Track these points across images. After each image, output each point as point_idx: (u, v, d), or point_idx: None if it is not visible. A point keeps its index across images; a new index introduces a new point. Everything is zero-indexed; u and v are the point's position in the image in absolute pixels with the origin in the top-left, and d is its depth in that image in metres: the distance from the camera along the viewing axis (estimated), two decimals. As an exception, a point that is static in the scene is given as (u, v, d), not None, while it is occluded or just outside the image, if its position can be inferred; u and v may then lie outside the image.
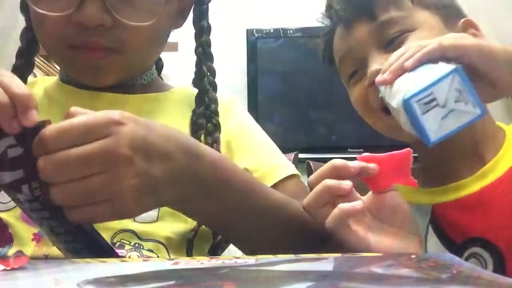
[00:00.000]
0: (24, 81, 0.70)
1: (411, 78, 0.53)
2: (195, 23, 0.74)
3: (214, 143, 0.67)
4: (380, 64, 0.64)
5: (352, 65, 0.72)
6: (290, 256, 0.38)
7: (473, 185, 0.66)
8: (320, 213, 0.51)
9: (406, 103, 0.50)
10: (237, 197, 0.51)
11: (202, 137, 0.67)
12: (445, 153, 0.68)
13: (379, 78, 0.57)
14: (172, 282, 0.30)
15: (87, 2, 0.58)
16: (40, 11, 0.61)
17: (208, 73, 0.72)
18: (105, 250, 0.49)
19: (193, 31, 0.74)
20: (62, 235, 0.46)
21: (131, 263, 0.38)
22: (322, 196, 0.51)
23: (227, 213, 0.51)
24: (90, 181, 0.40)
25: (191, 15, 0.74)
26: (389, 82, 0.55)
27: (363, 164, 0.52)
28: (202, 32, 0.73)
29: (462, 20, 0.73)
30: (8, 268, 0.33)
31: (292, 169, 0.70)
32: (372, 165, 0.52)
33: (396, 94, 0.53)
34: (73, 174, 0.41)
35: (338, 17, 0.73)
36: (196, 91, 0.73)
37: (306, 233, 0.55)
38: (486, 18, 2.42)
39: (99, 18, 0.59)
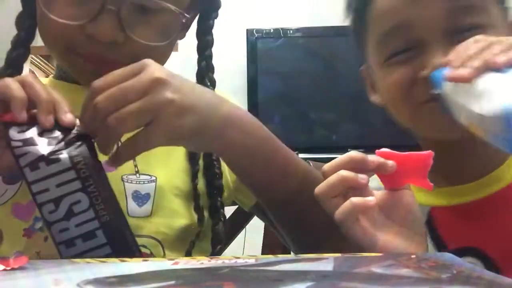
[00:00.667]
0: (20, 70, 0.69)
1: (505, 82, 0.47)
2: (199, 36, 0.72)
3: (215, 160, 0.67)
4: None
5: (403, 41, 0.62)
6: (290, 256, 0.38)
7: (477, 192, 0.64)
8: (331, 203, 0.50)
9: (509, 113, 0.43)
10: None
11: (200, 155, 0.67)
12: (456, 153, 0.65)
13: (452, 73, 0.50)
14: (172, 282, 0.30)
15: (103, 17, 0.57)
16: (52, 16, 0.59)
17: (209, 83, 0.72)
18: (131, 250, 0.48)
19: (193, 31, 0.73)
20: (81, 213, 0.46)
21: (131, 263, 0.38)
22: (336, 186, 0.49)
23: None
24: (136, 103, 0.47)
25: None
26: (468, 80, 0.48)
27: (382, 160, 0.50)
28: (207, 46, 0.72)
29: (510, 20, 0.65)
30: (8, 268, 0.33)
31: None
32: (390, 162, 0.50)
33: (482, 98, 0.47)
34: (123, 101, 0.47)
35: None
36: None
37: None
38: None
39: (113, 34, 0.58)
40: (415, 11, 0.61)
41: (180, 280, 0.31)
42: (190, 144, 0.54)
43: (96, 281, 0.30)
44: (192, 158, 0.66)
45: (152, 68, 0.49)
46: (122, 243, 0.48)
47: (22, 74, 0.70)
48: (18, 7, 0.69)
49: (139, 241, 0.58)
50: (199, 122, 0.50)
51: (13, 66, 0.68)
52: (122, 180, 0.61)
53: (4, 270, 0.33)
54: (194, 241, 0.61)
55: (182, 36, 0.72)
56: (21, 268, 0.34)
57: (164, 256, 0.60)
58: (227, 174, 0.68)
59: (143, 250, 0.59)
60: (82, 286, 0.29)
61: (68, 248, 0.46)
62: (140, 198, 0.61)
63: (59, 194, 0.46)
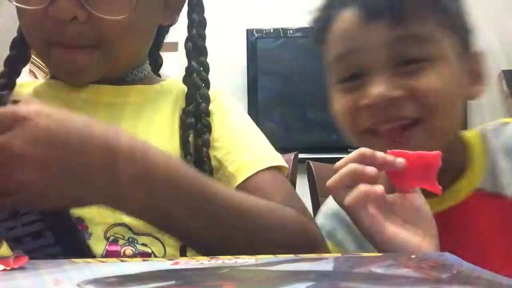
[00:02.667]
0: (18, 72, 0.69)
1: None
2: (188, 16, 0.71)
3: (203, 146, 0.64)
4: (387, 89, 0.58)
5: (350, 68, 0.62)
6: (290, 256, 0.38)
7: (436, 206, 0.62)
8: (341, 194, 0.50)
9: None
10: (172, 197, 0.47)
11: (191, 138, 0.64)
12: None
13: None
14: (172, 282, 0.30)
15: None
16: (17, 4, 0.61)
17: (201, 68, 0.69)
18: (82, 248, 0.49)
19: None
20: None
21: (131, 263, 0.38)
22: (346, 178, 0.50)
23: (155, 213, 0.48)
24: None
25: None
26: None
27: (391, 156, 0.51)
28: (192, 25, 0.70)
29: (474, 52, 0.65)
30: (8, 268, 0.33)
31: (274, 161, 0.64)
32: (400, 159, 0.51)
33: None
34: None
35: (363, 2, 0.60)
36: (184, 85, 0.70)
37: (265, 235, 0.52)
38: (487, 18, 2.42)
39: (72, 11, 0.59)
40: (362, 39, 0.60)
41: (180, 280, 0.30)
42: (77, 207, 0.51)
43: (96, 281, 0.30)
44: (185, 157, 0.64)
45: (15, 135, 0.41)
46: (72, 243, 0.48)
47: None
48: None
49: (139, 239, 0.59)
50: (71, 197, 0.44)
51: (9, 66, 0.68)
52: None
53: (4, 270, 0.33)
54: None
55: (168, 19, 0.70)
56: (21, 268, 0.34)
57: (165, 254, 0.59)
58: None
59: (144, 249, 0.58)
60: (82, 286, 0.29)
61: (16, 245, 0.46)
62: None
63: None
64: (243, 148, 0.65)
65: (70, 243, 0.48)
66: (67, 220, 0.49)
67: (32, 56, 0.71)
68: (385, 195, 0.51)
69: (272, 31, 2.48)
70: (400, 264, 0.33)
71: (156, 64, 0.79)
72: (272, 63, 2.50)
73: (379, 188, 0.50)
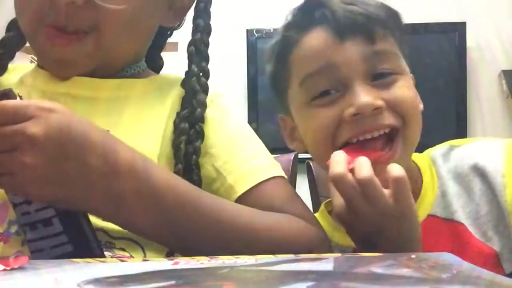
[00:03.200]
0: (12, 54, 0.68)
1: None
2: (193, 20, 0.70)
3: (194, 154, 0.62)
4: (373, 98, 0.62)
5: (327, 83, 0.64)
6: (290, 256, 0.38)
7: None
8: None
9: None
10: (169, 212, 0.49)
11: (183, 144, 0.62)
12: None
13: None
14: (172, 282, 0.30)
15: None
16: None
17: (201, 74, 0.67)
18: (90, 247, 0.48)
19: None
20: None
21: (131, 263, 0.38)
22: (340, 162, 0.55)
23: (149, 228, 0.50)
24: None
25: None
26: None
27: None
28: (197, 30, 0.69)
29: (412, 76, 0.71)
30: (8, 268, 0.33)
31: (273, 171, 0.63)
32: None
33: None
34: None
35: (335, 21, 0.64)
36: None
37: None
38: (487, 18, 2.42)
39: None
40: (340, 54, 0.64)
41: (180, 280, 0.31)
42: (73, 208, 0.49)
43: (96, 281, 0.30)
44: (176, 164, 0.62)
45: (37, 121, 0.44)
46: (80, 234, 0.48)
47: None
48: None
49: (117, 244, 0.56)
50: (66, 196, 0.46)
51: (3, 48, 0.67)
52: None
53: (4, 270, 0.33)
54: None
55: (171, 21, 0.70)
56: (21, 268, 0.34)
57: (145, 257, 0.57)
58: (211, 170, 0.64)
59: (122, 253, 0.57)
60: (82, 286, 0.29)
61: (31, 231, 0.47)
62: None
63: None
64: (242, 157, 0.63)
65: (77, 233, 0.48)
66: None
67: (32, 56, 0.71)
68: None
69: (272, 31, 2.47)
70: (400, 264, 0.33)
71: (156, 65, 0.78)
72: (272, 63, 2.50)
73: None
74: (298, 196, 0.63)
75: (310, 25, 0.66)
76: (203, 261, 0.36)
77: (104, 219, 0.50)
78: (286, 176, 0.65)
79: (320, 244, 0.57)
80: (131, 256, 0.57)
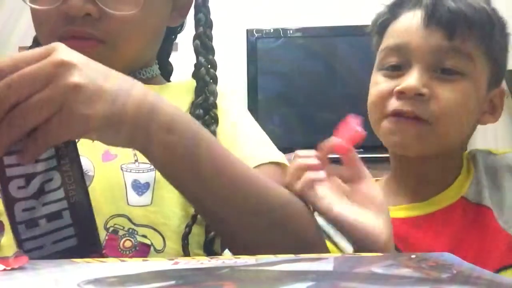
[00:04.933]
0: None
1: None
2: (195, 16, 0.73)
3: None
4: (422, 85, 0.69)
5: (397, 59, 0.73)
6: (290, 256, 0.38)
7: (424, 209, 0.75)
8: (294, 187, 0.57)
9: None
10: (206, 163, 0.49)
11: None
12: (416, 169, 0.76)
13: None
14: (172, 282, 0.30)
15: None
16: (31, 5, 0.62)
17: (209, 66, 0.71)
18: (95, 241, 0.48)
19: (193, 31, 0.74)
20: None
21: (131, 263, 0.38)
22: (294, 172, 0.58)
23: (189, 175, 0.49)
24: (37, 95, 0.41)
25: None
26: None
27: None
28: (199, 24, 0.72)
29: (499, 90, 0.76)
30: (8, 268, 0.33)
31: (275, 157, 0.65)
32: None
33: None
34: (26, 89, 0.41)
35: (427, 8, 0.71)
36: (192, 82, 0.71)
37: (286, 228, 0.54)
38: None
39: (83, 7, 0.60)
40: (417, 38, 0.71)
41: (180, 280, 0.31)
42: (104, 138, 0.46)
43: (96, 281, 0.30)
44: None
45: (59, 51, 0.43)
46: (87, 227, 0.47)
47: None
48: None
49: (139, 231, 0.58)
50: (112, 111, 0.44)
51: None
52: (121, 169, 0.61)
53: (4, 270, 0.33)
54: (190, 225, 0.60)
55: (175, 20, 0.72)
56: (21, 268, 0.34)
57: (164, 247, 0.59)
58: None
59: (143, 240, 0.58)
60: (82, 286, 0.29)
61: (29, 229, 0.45)
62: (140, 187, 0.60)
63: (32, 171, 0.44)
64: (244, 142, 0.66)
65: (85, 226, 0.47)
66: (87, 202, 0.47)
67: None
68: (333, 181, 0.58)
69: (272, 31, 2.47)
70: (400, 264, 0.33)
71: (166, 71, 0.80)
72: (272, 63, 2.49)
73: (321, 173, 0.57)
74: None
75: (410, 7, 0.74)
76: (203, 261, 0.36)
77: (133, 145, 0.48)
78: (288, 164, 0.66)
79: (316, 228, 0.58)
80: (152, 244, 0.59)
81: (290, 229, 0.54)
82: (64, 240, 0.46)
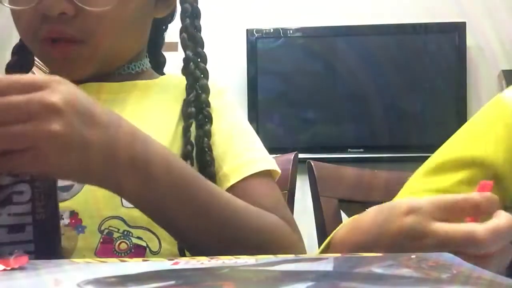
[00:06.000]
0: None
1: None
2: (180, 5, 0.70)
3: (205, 136, 0.64)
4: (58, 2, 0.59)
5: None
6: (291, 256, 0.38)
7: None
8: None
9: None
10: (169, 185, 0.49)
11: (193, 127, 0.64)
12: None
13: None
14: (172, 282, 0.30)
15: None
16: (7, 6, 0.61)
17: (198, 59, 0.68)
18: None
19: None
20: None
21: (131, 263, 0.38)
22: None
23: (154, 197, 0.49)
24: (16, 126, 0.41)
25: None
26: None
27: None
28: (185, 16, 0.69)
29: None
30: (8, 268, 0.33)
31: (266, 165, 0.65)
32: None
33: None
34: (5, 117, 0.41)
35: None
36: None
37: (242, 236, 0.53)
38: (488, 18, 2.42)
39: (58, 6, 0.59)
40: None
41: (180, 280, 0.30)
42: (76, 180, 0.49)
43: (96, 281, 0.30)
44: (185, 146, 0.64)
45: (51, 89, 0.42)
46: (50, 246, 0.46)
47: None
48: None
49: (134, 233, 0.58)
50: (87, 163, 0.44)
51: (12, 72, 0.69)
52: None
53: (4, 270, 0.33)
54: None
55: (162, 11, 0.70)
56: (21, 268, 0.34)
57: (160, 248, 0.59)
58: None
59: (139, 242, 0.58)
60: (82, 286, 0.29)
61: None
62: None
63: (5, 182, 0.44)
64: (239, 149, 0.65)
65: (45, 244, 0.45)
66: (54, 221, 0.47)
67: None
68: None
69: (272, 31, 2.47)
70: (400, 264, 0.33)
71: (158, 63, 0.79)
72: (272, 63, 2.50)
73: None
74: (283, 198, 0.66)
75: None
76: (203, 261, 0.36)
77: (105, 187, 0.48)
78: (279, 170, 0.67)
79: (297, 251, 0.58)
80: (147, 246, 0.58)
81: (272, 251, 0.54)
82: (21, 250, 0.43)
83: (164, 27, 0.78)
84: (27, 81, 0.42)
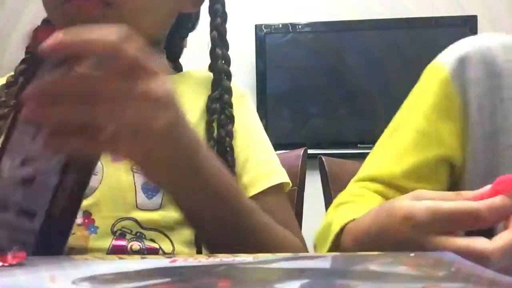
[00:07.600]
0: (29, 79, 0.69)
1: None
2: (210, 7, 0.70)
3: (227, 136, 0.64)
4: None
5: None
6: (289, 254, 0.38)
7: None
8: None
9: None
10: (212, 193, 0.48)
11: (215, 128, 0.65)
12: None
13: None
14: (168, 279, 0.29)
15: None
16: None
17: (223, 61, 0.69)
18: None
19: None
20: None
21: (130, 261, 0.38)
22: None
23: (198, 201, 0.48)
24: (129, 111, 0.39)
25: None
26: None
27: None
28: (216, 15, 0.69)
29: None
30: (6, 264, 0.34)
31: (282, 177, 0.67)
32: None
33: None
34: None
35: None
36: (209, 74, 0.69)
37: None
38: (499, 11, 2.39)
39: None
40: None
41: (175, 277, 0.30)
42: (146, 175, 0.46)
43: (91, 278, 0.30)
44: (208, 141, 0.64)
45: (160, 80, 0.42)
46: (52, 246, 0.43)
47: None
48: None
49: (147, 235, 0.58)
50: (173, 161, 0.43)
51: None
52: (132, 171, 0.60)
53: (3, 266, 0.33)
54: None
55: (188, 6, 0.68)
56: (19, 265, 0.34)
57: (173, 251, 0.59)
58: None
59: (152, 244, 0.58)
60: (77, 283, 0.29)
61: None
62: (150, 190, 0.60)
63: (34, 155, 0.40)
64: (258, 159, 0.67)
65: (47, 247, 0.42)
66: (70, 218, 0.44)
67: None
68: None
69: (280, 26, 2.46)
70: (399, 262, 0.33)
71: (178, 48, 0.77)
72: (281, 58, 2.49)
73: None
74: (292, 210, 0.69)
75: None
76: (201, 259, 0.36)
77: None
78: (290, 183, 0.68)
79: None
80: (160, 248, 0.58)
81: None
82: (18, 243, 0.38)
83: (190, 25, 0.76)
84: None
